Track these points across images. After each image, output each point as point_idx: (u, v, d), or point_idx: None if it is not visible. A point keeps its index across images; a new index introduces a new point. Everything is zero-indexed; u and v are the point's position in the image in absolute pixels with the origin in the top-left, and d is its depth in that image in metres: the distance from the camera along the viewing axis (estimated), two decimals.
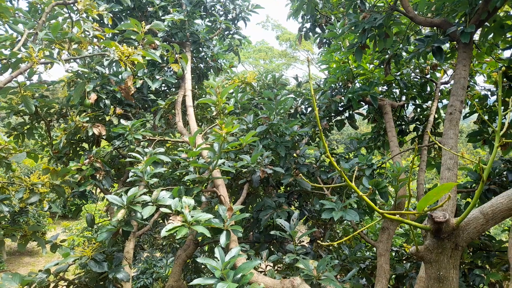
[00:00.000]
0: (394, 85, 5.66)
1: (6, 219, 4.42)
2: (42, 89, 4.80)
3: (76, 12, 4.08)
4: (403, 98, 5.73)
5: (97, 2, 5.34)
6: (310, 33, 6.58)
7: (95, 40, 4.46)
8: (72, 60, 4.92)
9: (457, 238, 2.06)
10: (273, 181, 5.07)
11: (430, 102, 5.50)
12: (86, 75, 4.74)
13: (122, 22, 5.64)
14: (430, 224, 2.04)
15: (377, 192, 3.82)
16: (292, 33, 24.71)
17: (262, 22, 25.96)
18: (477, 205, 3.49)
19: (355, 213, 3.58)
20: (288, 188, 5.21)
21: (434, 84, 5.51)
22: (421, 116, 5.65)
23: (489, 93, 5.23)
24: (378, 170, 4.39)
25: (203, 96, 7.06)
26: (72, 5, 3.91)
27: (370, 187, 3.07)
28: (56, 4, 3.71)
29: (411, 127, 5.75)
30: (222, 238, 3.23)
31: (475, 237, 2.02)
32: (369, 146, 6.02)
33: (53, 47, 4.03)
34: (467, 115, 5.17)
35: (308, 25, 6.45)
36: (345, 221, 5.71)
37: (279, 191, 5.37)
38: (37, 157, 4.18)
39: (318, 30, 6.65)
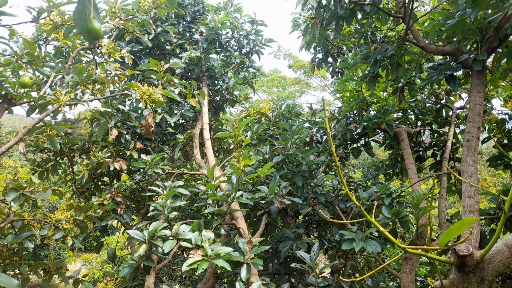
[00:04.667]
0: (409, 111, 5.68)
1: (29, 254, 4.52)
2: (66, 128, 5.01)
3: (99, 54, 4.32)
4: (419, 124, 5.73)
5: (118, 43, 5.64)
6: (323, 63, 6.72)
7: (116, 78, 4.69)
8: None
9: (482, 271, 2.02)
10: (291, 211, 5.06)
11: (446, 127, 5.47)
12: (108, 113, 4.94)
13: (142, 61, 5.91)
14: (454, 257, 2.02)
15: (397, 221, 3.77)
16: (304, 61, 25.13)
17: (274, 52, 26.57)
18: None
19: (376, 244, 3.54)
20: (306, 218, 5.19)
21: (449, 109, 5.50)
22: (438, 142, 5.61)
23: (506, 116, 5.18)
24: (397, 199, 4.34)
25: (220, 127, 7.21)
26: (96, 48, 4.14)
27: (390, 218, 3.05)
28: (82, 49, 3.95)
29: (429, 153, 5.70)
30: (243, 272, 3.23)
31: (501, 270, 1.98)
32: (387, 173, 5.97)
33: (78, 88, 4.26)
34: (485, 139, 5.12)
35: (320, 55, 6.60)
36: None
37: (297, 220, 5.34)
38: (61, 194, 4.32)
39: (330, 59, 6.80)
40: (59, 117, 5.58)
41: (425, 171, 6.07)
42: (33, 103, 4.10)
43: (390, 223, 3.51)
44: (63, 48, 4.93)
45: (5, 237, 4.12)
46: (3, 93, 3.95)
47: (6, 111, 4.13)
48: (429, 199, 5.14)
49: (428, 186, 13.83)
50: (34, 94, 4.20)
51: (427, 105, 5.63)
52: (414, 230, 4.41)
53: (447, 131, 5.23)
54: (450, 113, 5.44)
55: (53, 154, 5.62)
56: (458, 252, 1.97)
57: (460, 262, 1.99)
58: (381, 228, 1.60)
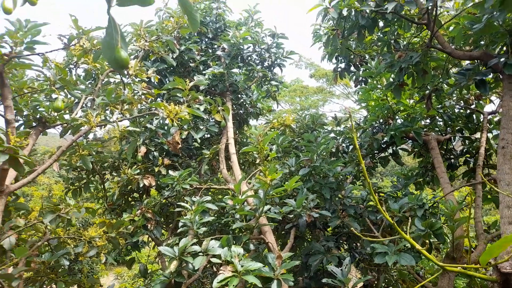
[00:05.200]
0: (437, 118, 5.52)
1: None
2: (97, 147, 5.18)
3: (127, 76, 4.47)
4: (449, 130, 5.55)
5: (144, 62, 5.82)
6: (345, 72, 6.66)
7: (143, 97, 4.84)
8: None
9: None
10: (320, 223, 4.99)
11: (478, 133, 5.28)
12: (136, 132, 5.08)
13: (167, 79, 6.07)
14: (496, 275, 1.93)
15: (431, 233, 3.65)
16: (326, 69, 25.00)
17: (296, 62, 26.60)
18: None
19: (410, 257, 3.43)
20: (336, 230, 5.10)
21: (480, 114, 5.31)
22: (470, 149, 5.41)
23: None
24: (430, 210, 4.20)
25: (244, 140, 7.26)
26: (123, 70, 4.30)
27: (424, 230, 2.96)
28: (110, 71, 4.10)
29: (461, 160, 5.51)
30: None
31: None
32: (418, 182, 5.80)
33: (107, 108, 4.41)
34: None
35: (342, 65, 6.55)
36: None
37: (326, 233, 5.26)
38: (94, 212, 4.45)
39: (353, 68, 6.73)
40: (90, 136, 5.80)
41: (457, 179, 5.86)
42: (66, 125, 4.28)
43: (427, 241, 3.39)
44: (92, 71, 5.14)
45: (42, 255, 4.29)
46: (37, 116, 4.15)
47: (41, 133, 4.33)
48: (465, 209, 4.96)
49: (462, 194, 13.30)
50: (66, 116, 4.40)
51: (456, 110, 5.46)
52: (449, 241, 4.25)
53: (479, 137, 5.05)
54: (481, 118, 5.25)
55: (85, 172, 5.81)
56: (501, 269, 1.89)
57: (504, 279, 1.90)
58: (418, 246, 1.56)
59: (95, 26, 3.84)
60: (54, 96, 4.45)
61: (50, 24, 3.64)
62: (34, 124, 4.18)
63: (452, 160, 5.47)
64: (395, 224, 1.84)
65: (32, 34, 3.55)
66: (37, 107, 4.15)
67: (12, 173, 3.47)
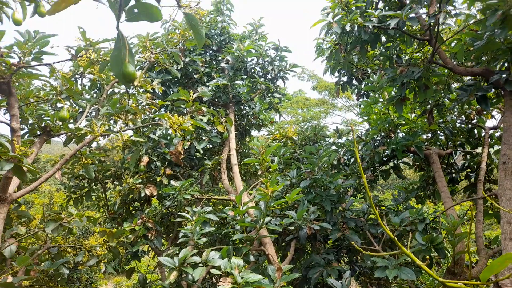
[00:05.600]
0: (439, 132, 5.54)
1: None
2: (100, 156, 5.22)
3: (131, 87, 4.53)
4: (450, 145, 5.57)
5: (149, 73, 5.89)
6: (348, 86, 6.72)
7: (146, 107, 4.89)
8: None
9: None
10: (320, 236, 4.98)
11: (479, 148, 5.29)
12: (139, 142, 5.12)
13: (171, 89, 6.13)
14: None
15: (432, 248, 3.64)
16: (328, 82, 25.14)
17: (298, 74, 26.78)
18: None
19: (410, 271, 3.42)
20: (336, 243, 5.08)
21: (482, 129, 5.33)
22: (471, 163, 5.42)
23: None
24: (431, 224, 4.19)
25: (246, 151, 7.29)
26: None
27: (425, 245, 2.95)
28: (115, 82, 4.16)
29: (462, 175, 5.51)
30: None
31: None
32: (419, 195, 5.80)
33: (111, 118, 4.46)
34: None
35: (344, 78, 6.61)
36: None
37: (327, 246, 5.24)
38: (95, 220, 4.46)
39: (355, 82, 6.79)
40: (93, 144, 5.84)
41: (459, 193, 5.85)
42: (70, 134, 4.32)
43: (427, 256, 3.38)
44: (98, 81, 5.21)
45: (42, 263, 4.29)
46: (42, 125, 4.20)
47: (45, 142, 4.37)
48: (466, 224, 4.94)
49: (463, 208, 13.23)
50: (70, 125, 4.44)
51: (458, 125, 5.49)
52: (450, 256, 4.23)
53: (480, 152, 5.06)
54: (483, 133, 5.27)
55: (87, 181, 5.84)
56: (502, 286, 1.89)
57: None
58: (419, 261, 1.57)
59: (102, 38, 3.91)
60: (59, 105, 4.51)
61: (58, 35, 3.71)
62: (38, 132, 4.23)
63: (454, 175, 5.47)
64: (396, 238, 1.85)
65: (40, 45, 3.62)
66: (42, 116, 4.20)
67: (15, 181, 3.50)
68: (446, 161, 5.54)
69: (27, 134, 4.29)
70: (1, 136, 3.82)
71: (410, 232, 3.79)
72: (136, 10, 1.83)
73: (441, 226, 4.45)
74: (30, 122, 4.24)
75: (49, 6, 3.14)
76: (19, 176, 3.07)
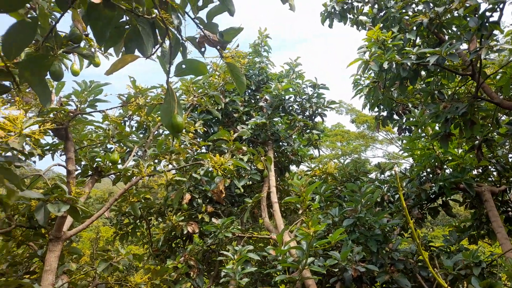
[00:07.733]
0: (490, 167, 5.25)
1: None
2: (145, 194, 5.43)
3: None
4: (503, 181, 5.23)
5: (191, 114, 6.17)
6: (388, 120, 6.61)
7: (189, 145, 5.10)
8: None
9: None
10: (366, 278, 4.76)
11: None
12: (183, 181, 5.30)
13: (212, 129, 6.35)
14: None
15: None
16: (367, 115, 24.78)
17: (336, 107, 26.68)
18: None
19: None
20: (384, 286, 4.82)
21: None
22: None
23: None
24: (488, 268, 3.89)
25: (286, 188, 7.26)
26: None
27: None
28: (161, 124, 4.40)
29: None
30: None
31: None
32: (472, 235, 5.42)
33: (157, 158, 4.69)
34: None
35: (384, 113, 6.52)
36: None
37: None
38: (141, 258, 4.58)
39: (395, 116, 6.67)
40: (139, 182, 6.09)
41: None
42: (118, 174, 4.57)
43: None
44: (144, 123, 5.53)
45: None
46: (94, 166, 4.48)
47: (96, 181, 4.65)
48: None
49: None
50: (119, 166, 4.71)
51: (510, 160, 5.17)
52: None
53: None
54: None
55: (133, 218, 6.05)
56: None
57: None
58: None
59: (150, 86, 4.20)
60: (109, 146, 4.82)
61: (111, 83, 4.04)
62: (90, 172, 4.51)
63: (510, 213, 5.10)
64: (449, 283, 1.75)
65: (95, 93, 3.95)
66: (94, 157, 4.49)
67: (68, 220, 3.71)
68: (500, 199, 5.19)
69: (80, 175, 4.59)
70: (59, 178, 4.12)
71: (465, 276, 3.55)
72: (184, 66, 1.99)
73: (500, 270, 4.13)
74: (83, 163, 4.54)
75: (102, 57, 3.44)
76: (73, 216, 3.26)
